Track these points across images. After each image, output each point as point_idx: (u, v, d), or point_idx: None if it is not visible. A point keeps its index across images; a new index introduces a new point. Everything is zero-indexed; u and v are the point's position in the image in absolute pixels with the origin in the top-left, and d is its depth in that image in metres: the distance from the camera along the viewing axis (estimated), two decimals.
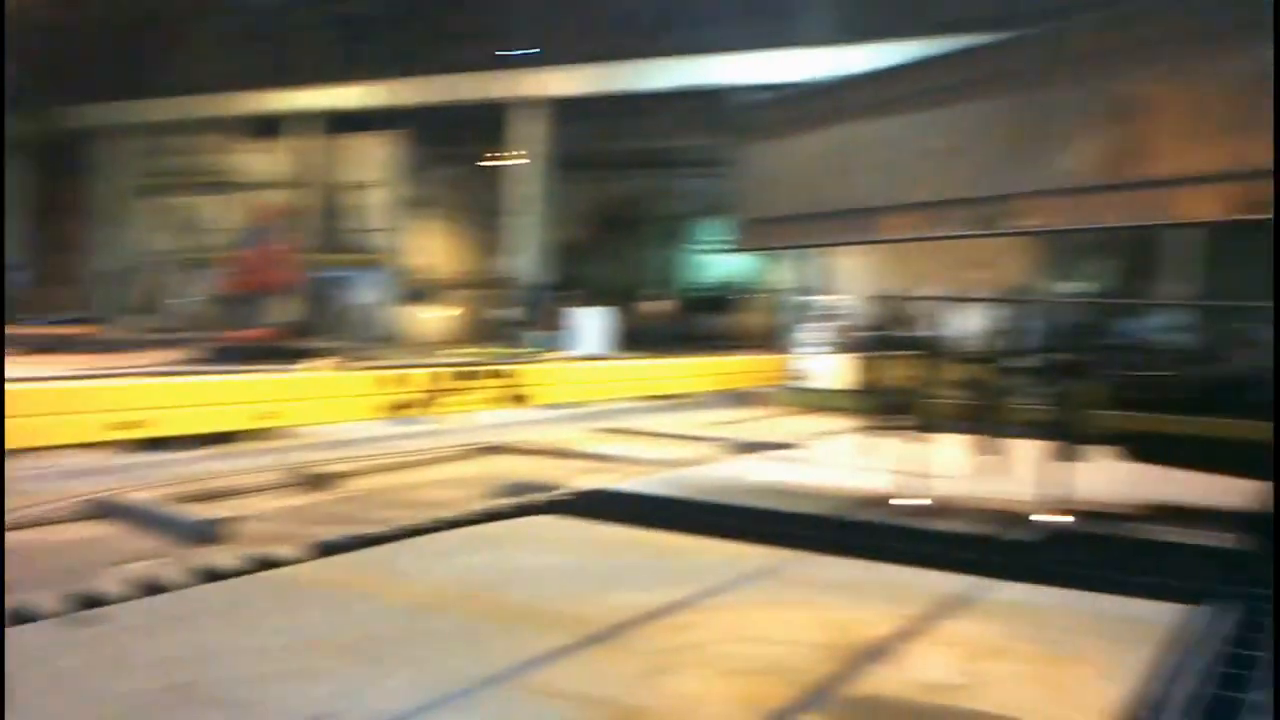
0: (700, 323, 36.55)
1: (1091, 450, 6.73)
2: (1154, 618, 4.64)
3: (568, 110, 30.96)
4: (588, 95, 30.08)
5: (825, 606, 4.68)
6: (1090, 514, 6.58)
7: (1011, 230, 9.31)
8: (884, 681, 3.79)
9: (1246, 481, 6.76)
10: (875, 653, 4.07)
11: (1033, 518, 6.46)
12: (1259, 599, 4.86)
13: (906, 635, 4.30)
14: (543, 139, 31.34)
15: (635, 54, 29.08)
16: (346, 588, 4.91)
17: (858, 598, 4.85)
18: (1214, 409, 6.48)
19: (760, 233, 12.69)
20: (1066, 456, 6.50)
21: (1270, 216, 6.99)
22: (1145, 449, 6.91)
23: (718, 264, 41.12)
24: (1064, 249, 25.47)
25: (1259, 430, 6.05)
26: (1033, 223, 9.45)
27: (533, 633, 4.22)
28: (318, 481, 9.06)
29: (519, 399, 13.97)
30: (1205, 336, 7.67)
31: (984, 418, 7.13)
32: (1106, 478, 7.18)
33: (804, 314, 22.10)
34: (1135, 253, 29.22)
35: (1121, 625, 4.53)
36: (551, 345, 26.34)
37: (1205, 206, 7.60)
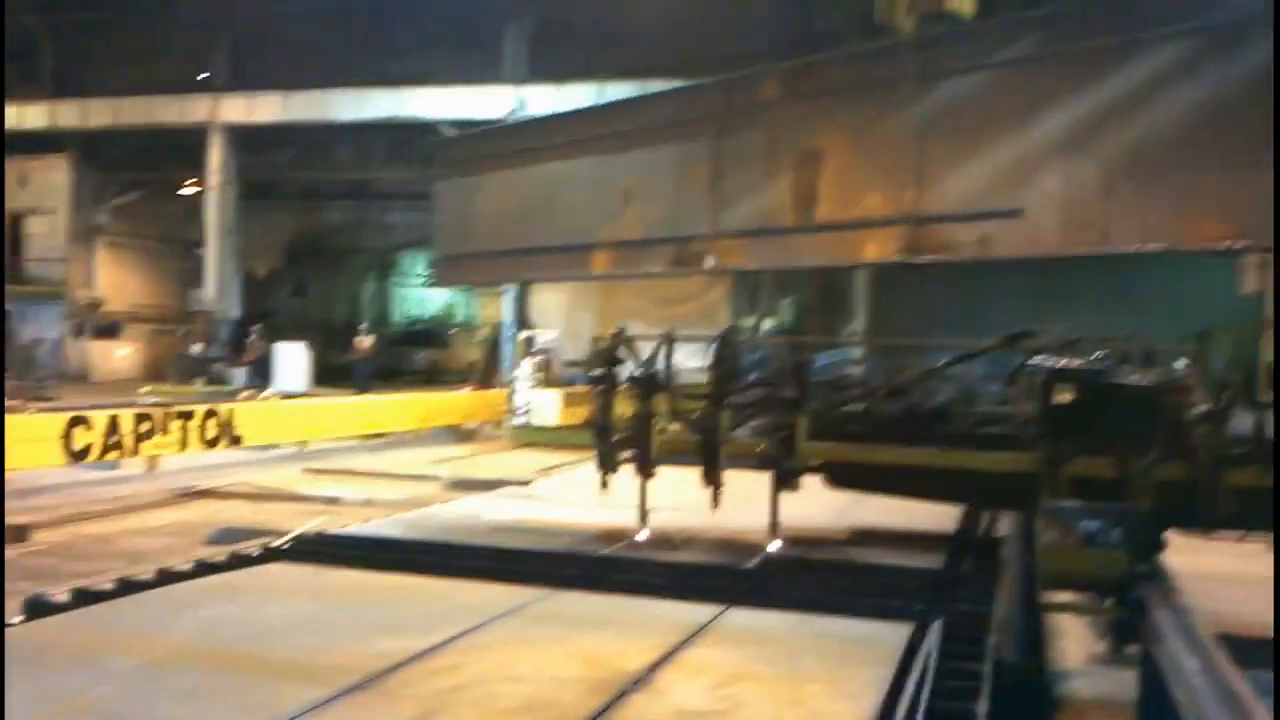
0: (414, 357, 36.15)
1: (803, 479, 7.23)
2: (876, 637, 5.08)
3: (269, 138, 30.04)
4: (286, 123, 29.25)
5: (579, 641, 4.85)
6: (808, 541, 7.08)
7: (712, 269, 9.90)
8: (646, 711, 3.99)
9: (941, 506, 7.48)
10: (633, 683, 4.27)
11: (762, 545, 6.89)
12: (960, 615, 5.42)
13: (659, 665, 4.53)
14: (239, 167, 30.23)
15: (337, 82, 28.50)
16: (81, 648, 4.65)
17: (608, 631, 5.04)
18: (907, 439, 7.10)
19: (458, 268, 12.83)
20: (781, 486, 6.95)
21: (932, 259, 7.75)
22: (847, 477, 7.47)
23: (431, 298, 40.83)
24: (766, 283, 26.96)
25: (949, 458, 6.71)
26: (732, 261, 10.07)
27: (291, 685, 4.16)
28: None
29: (227, 440, 13.45)
30: (898, 372, 8.37)
31: (705, 451, 7.48)
32: (819, 505, 7.74)
33: (520, 349, 22.33)
34: (828, 290, 31.21)
35: (848, 646, 4.94)
36: (251, 382, 25.39)
37: (879, 248, 8.41)
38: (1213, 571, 7.68)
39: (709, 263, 9.77)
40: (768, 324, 26.88)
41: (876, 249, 8.71)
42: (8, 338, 30.30)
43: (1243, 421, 5.97)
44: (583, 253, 11.09)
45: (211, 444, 13.01)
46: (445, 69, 28.18)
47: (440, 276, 14.60)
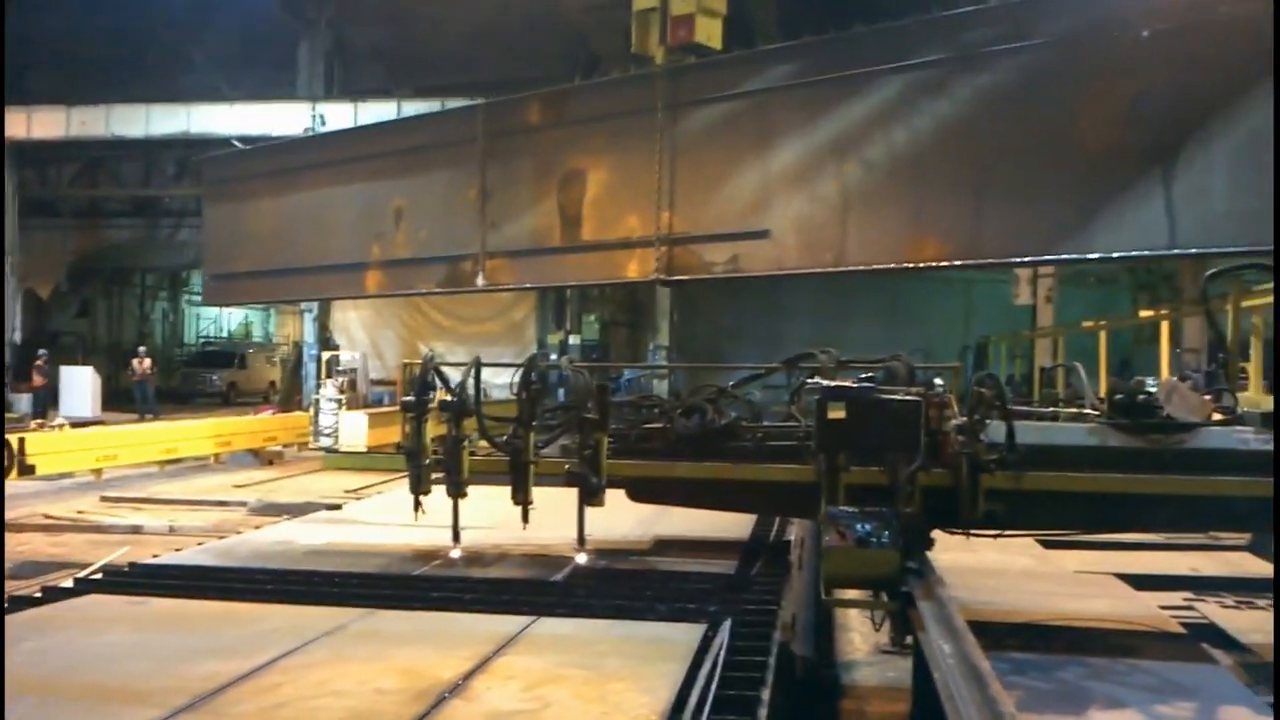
0: (210, 378, 35.10)
1: (609, 494, 7.67)
2: (673, 637, 5.56)
3: (51, 154, 28.80)
4: (69, 139, 28.06)
5: (398, 656, 5.14)
6: (614, 551, 7.54)
7: (485, 288, 10.26)
8: (463, 715, 4.34)
9: (733, 515, 8.07)
10: (450, 691, 4.60)
11: (570, 558, 7.30)
12: (749, 613, 5.97)
13: (474, 673, 4.88)
14: (18, 183, 28.85)
15: (125, 98, 27.55)
16: None
17: (425, 645, 5.35)
18: (702, 454, 7.63)
19: (229, 287, 12.76)
20: (588, 501, 7.37)
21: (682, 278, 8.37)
22: (648, 491, 7.96)
23: (227, 316, 39.70)
24: (572, 299, 27.44)
25: (739, 471, 7.28)
26: (501, 280, 10.45)
27: (127, 708, 4.33)
28: None
29: (17, 469, 13.04)
30: (696, 391, 8.90)
31: (514, 470, 7.82)
32: (624, 518, 8.22)
33: (323, 368, 22.13)
34: (633, 306, 31.82)
35: (648, 646, 5.40)
36: (36, 409, 24.32)
37: (640, 267, 8.98)
38: (977, 565, 8.53)
39: (479, 281, 10.13)
40: (574, 340, 27.46)
41: (637, 268, 9.29)
42: None
43: (997, 430, 6.66)
44: (354, 272, 11.25)
45: (2, 474, 12.59)
46: (239, 85, 27.67)
47: (211, 295, 14.42)
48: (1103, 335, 17.91)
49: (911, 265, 7.87)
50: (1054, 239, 7.24)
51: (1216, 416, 7.26)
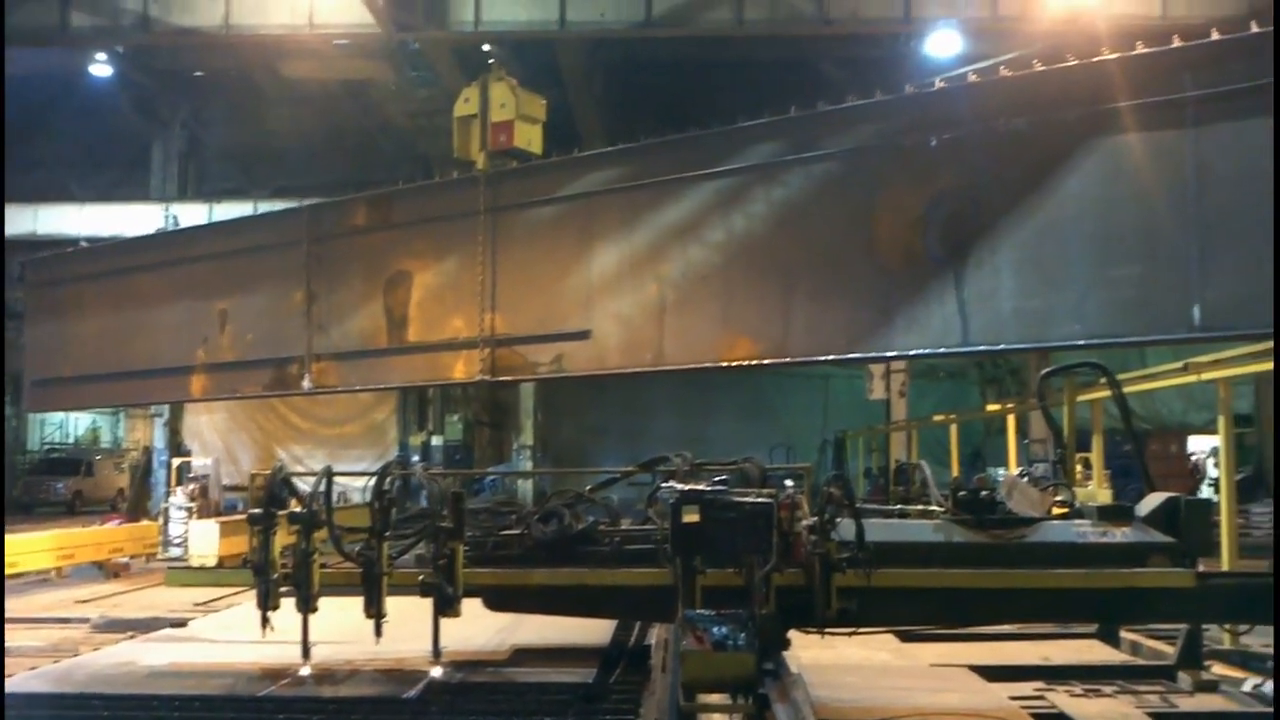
0: (55, 487, 33.53)
1: (464, 604, 7.54)
2: None
3: None
4: None
5: None
6: (470, 663, 7.39)
7: (311, 390, 10.17)
8: None
9: (593, 619, 8.00)
10: None
11: (425, 672, 7.13)
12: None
13: None
14: None
15: None
16: None
17: None
18: (559, 560, 7.57)
19: (53, 393, 12.36)
20: (443, 612, 7.23)
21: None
22: (505, 599, 7.85)
23: (73, 421, 38.14)
24: (434, 400, 27.15)
25: (596, 576, 7.24)
26: (331, 382, 10.35)
27: None
28: None
29: None
30: (559, 493, 8.86)
31: (367, 582, 7.64)
32: (482, 627, 8.07)
33: (173, 475, 21.38)
34: (496, 405, 31.62)
35: None
36: None
37: (466, 368, 9.05)
38: (837, 661, 8.60)
39: (305, 384, 10.05)
40: (437, 440, 27.10)
41: (463, 369, 9.38)
42: None
43: (847, 528, 6.78)
44: (180, 375, 11.06)
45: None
46: (90, 185, 26.99)
47: (33, 402, 13.92)
48: (953, 428, 18.46)
49: (726, 365, 8.10)
50: (856, 339, 7.57)
51: (1056, 511, 7.54)
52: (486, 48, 18.38)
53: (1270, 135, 6.12)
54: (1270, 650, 8.59)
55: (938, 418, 21.03)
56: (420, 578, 7.19)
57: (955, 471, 17.18)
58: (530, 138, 9.44)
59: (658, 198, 8.28)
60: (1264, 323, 6.13)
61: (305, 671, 7.28)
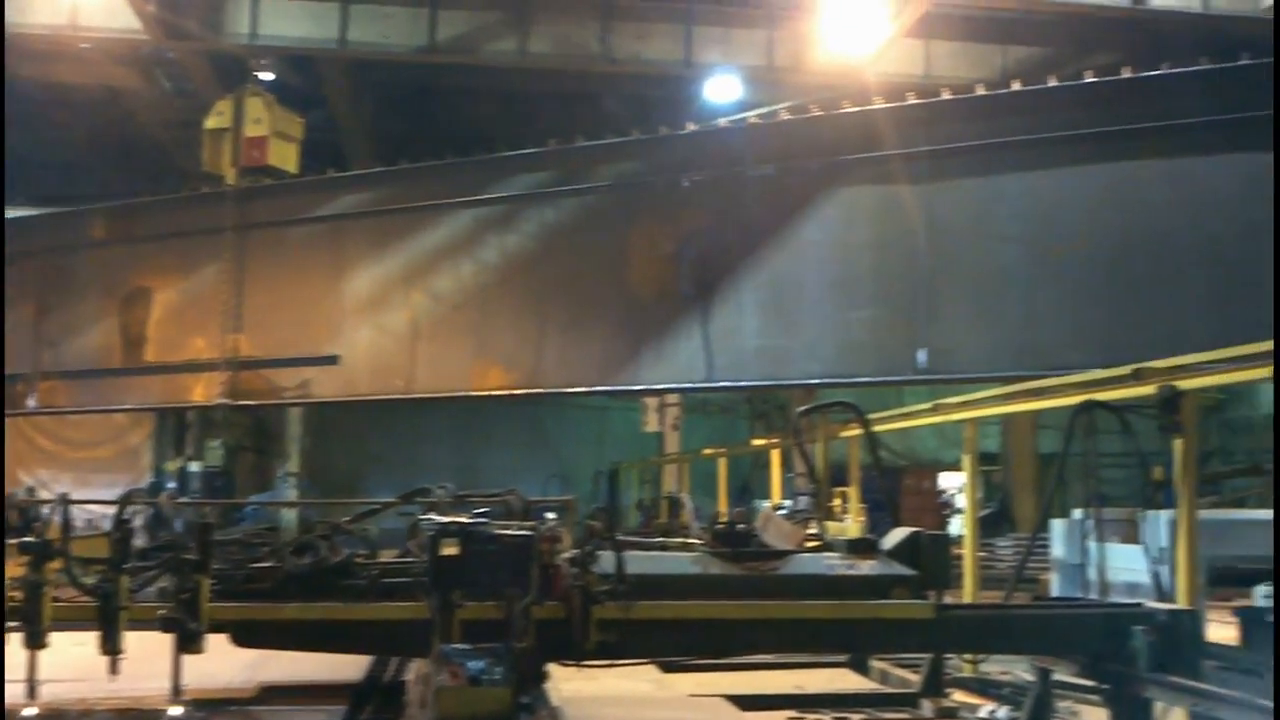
0: None
1: (215, 639, 7.19)
2: None
3: None
4: None
5: None
6: (214, 701, 7.04)
7: (37, 410, 9.62)
8: None
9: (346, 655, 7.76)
10: None
11: (163, 711, 6.73)
12: None
13: None
14: None
15: None
16: None
17: None
18: (313, 594, 7.32)
19: None
20: (185, 648, 6.87)
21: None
22: (254, 635, 7.53)
23: None
24: (194, 423, 25.90)
25: (352, 611, 7.04)
26: (60, 403, 9.83)
27: None
28: None
29: None
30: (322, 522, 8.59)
31: (102, 617, 7.20)
32: (229, 663, 7.71)
33: None
34: (260, 430, 30.50)
35: None
36: None
37: (206, 391, 8.77)
38: (598, 693, 8.65)
39: (30, 403, 9.54)
40: (195, 466, 25.84)
41: (203, 392, 9.10)
42: None
43: (609, 561, 6.83)
44: None
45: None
46: None
47: None
48: (722, 462, 18.92)
49: (478, 394, 8.11)
50: (607, 372, 7.75)
51: (809, 544, 7.80)
52: (253, 61, 17.79)
53: (992, 191, 6.58)
54: (1005, 678, 9.16)
55: (708, 451, 21.51)
56: (160, 612, 6.82)
57: (724, 504, 17.61)
58: (285, 156, 9.22)
59: (415, 223, 8.24)
60: (983, 368, 6.57)
61: (31, 712, 6.78)
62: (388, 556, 7.79)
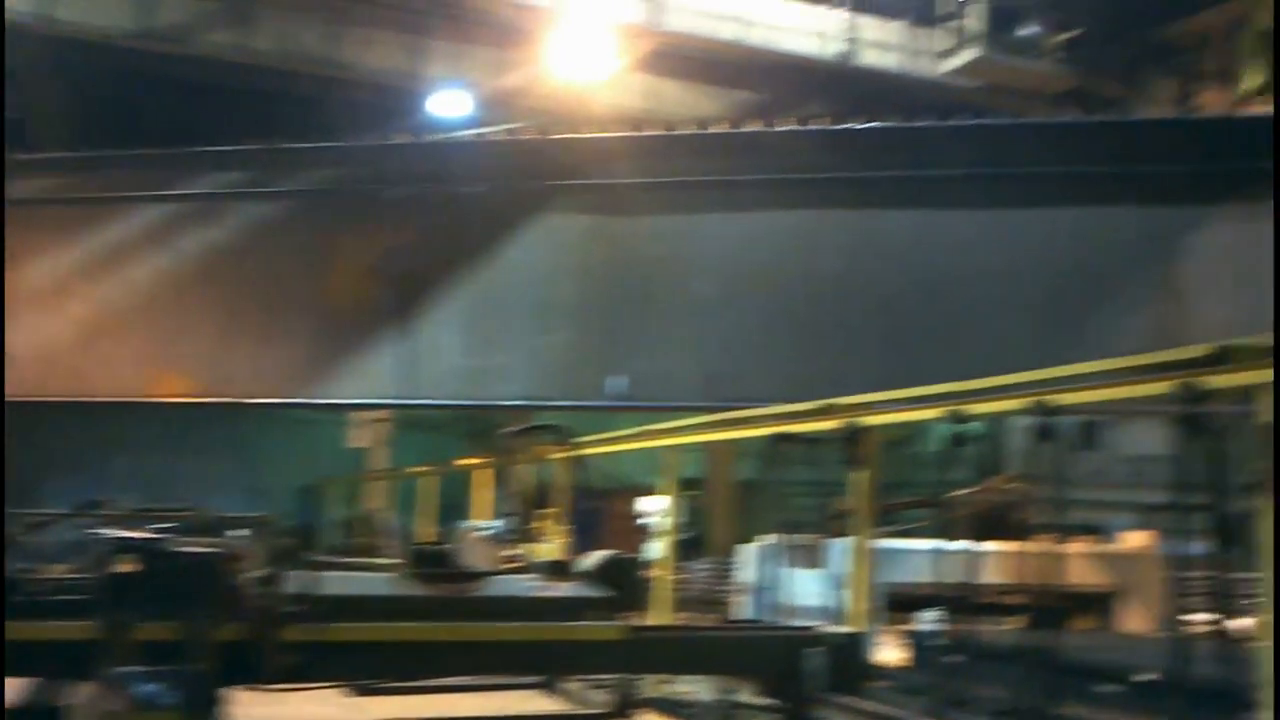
0: None
1: None
2: None
3: None
4: None
5: None
6: None
7: None
8: None
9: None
10: None
11: None
12: None
13: None
14: None
15: None
16: None
17: None
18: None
19: None
20: None
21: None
22: None
23: None
24: None
25: (15, 630, 6.51)
26: None
27: None
28: None
29: None
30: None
31: None
32: None
33: None
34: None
35: None
36: None
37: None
38: (287, 718, 8.34)
39: None
40: None
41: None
42: None
43: (301, 580, 6.63)
44: None
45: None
46: None
47: None
48: (433, 480, 18.66)
49: (157, 400, 7.78)
50: (301, 383, 7.58)
51: (508, 566, 7.85)
52: None
53: (692, 226, 6.87)
54: (693, 698, 9.47)
55: (416, 469, 21.12)
56: None
57: (432, 524, 17.39)
58: None
59: (97, 215, 7.81)
60: (678, 396, 6.83)
61: None
62: (60, 571, 7.29)
